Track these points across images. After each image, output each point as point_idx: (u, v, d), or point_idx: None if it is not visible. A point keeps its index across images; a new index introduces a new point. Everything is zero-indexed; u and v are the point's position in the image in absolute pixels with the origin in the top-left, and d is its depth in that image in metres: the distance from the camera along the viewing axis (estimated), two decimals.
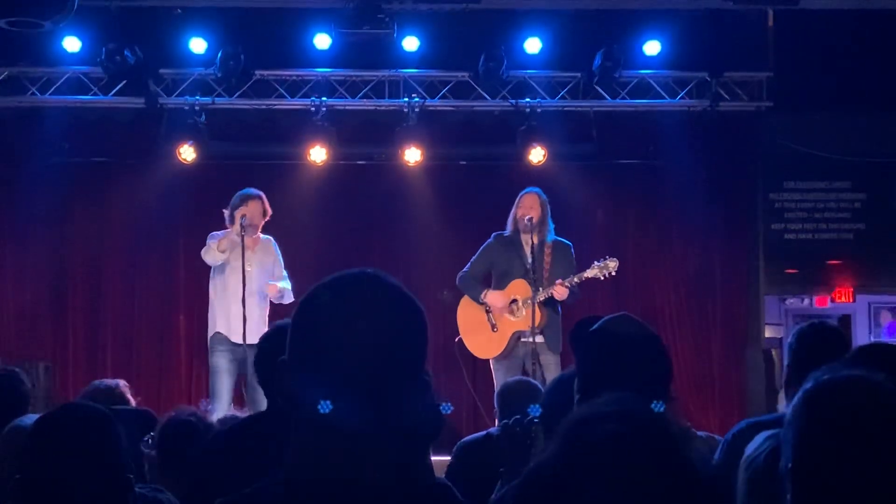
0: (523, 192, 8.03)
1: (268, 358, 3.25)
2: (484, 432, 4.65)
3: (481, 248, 8.22)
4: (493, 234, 8.20)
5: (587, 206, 10.26)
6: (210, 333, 8.19)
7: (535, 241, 7.76)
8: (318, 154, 9.98)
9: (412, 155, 9.96)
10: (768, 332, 11.16)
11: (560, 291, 7.69)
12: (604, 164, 10.36)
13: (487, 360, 8.30)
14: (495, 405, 4.99)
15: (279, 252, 8.35)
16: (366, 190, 10.38)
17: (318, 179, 10.29)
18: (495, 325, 8.08)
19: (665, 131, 10.35)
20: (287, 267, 8.56)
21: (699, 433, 4.58)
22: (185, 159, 9.95)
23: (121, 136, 10.30)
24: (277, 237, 8.51)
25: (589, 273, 7.87)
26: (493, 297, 8.05)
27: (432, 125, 10.03)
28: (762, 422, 3.37)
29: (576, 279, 7.76)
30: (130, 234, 10.31)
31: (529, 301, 7.83)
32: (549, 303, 7.88)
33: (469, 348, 8.26)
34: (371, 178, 10.40)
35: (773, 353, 10.44)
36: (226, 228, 8.30)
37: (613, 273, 7.86)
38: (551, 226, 7.91)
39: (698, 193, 10.38)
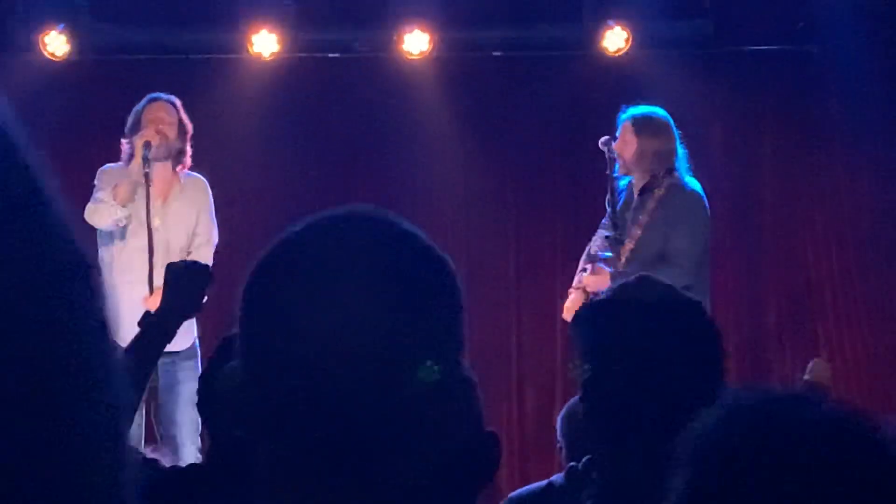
0: None
1: (215, 389, 2.81)
2: (544, 482, 3.47)
3: None
4: None
5: (697, 120, 8.18)
6: None
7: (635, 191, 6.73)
8: (264, 43, 8.22)
9: (415, 43, 8.35)
10: None
11: (596, 281, 6.43)
12: (724, 53, 8.70)
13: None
14: (558, 435, 4.25)
15: (211, 198, 6.89)
16: (344, 97, 8.67)
17: (268, 82, 8.50)
18: None
19: (821, 1, 8.58)
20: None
21: None
22: (52, 54, 8.14)
23: None
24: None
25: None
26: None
27: None
28: None
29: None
30: None
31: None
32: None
33: None
34: (352, 79, 8.63)
35: None
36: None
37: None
38: (678, 168, 6.62)
39: (876, 98, 8.38)
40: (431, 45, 8.22)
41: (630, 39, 8.15)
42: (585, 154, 7.12)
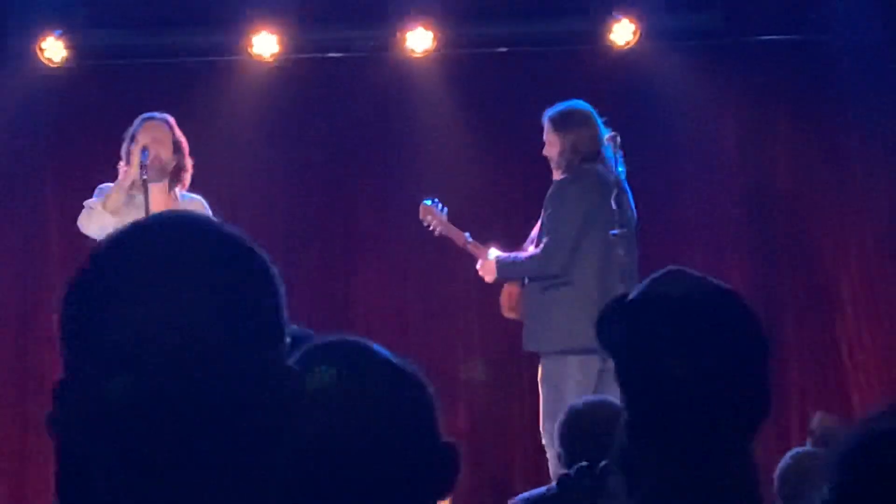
0: None
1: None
2: (545, 487, 3.94)
3: None
4: None
5: (708, 113, 8.53)
6: None
7: None
8: (264, 44, 8.15)
9: (419, 40, 8.30)
10: None
11: (482, 268, 6.71)
12: (734, 45, 8.58)
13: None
14: (556, 444, 4.29)
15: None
16: (347, 97, 8.53)
17: (269, 83, 8.41)
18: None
19: None
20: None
21: None
22: (50, 60, 8.07)
23: None
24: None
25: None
26: None
27: None
28: None
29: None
30: None
31: None
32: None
33: None
34: (354, 79, 8.51)
35: None
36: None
37: None
38: (605, 155, 6.71)
39: (891, 87, 8.31)
40: (435, 42, 8.18)
41: (638, 32, 8.07)
42: None
